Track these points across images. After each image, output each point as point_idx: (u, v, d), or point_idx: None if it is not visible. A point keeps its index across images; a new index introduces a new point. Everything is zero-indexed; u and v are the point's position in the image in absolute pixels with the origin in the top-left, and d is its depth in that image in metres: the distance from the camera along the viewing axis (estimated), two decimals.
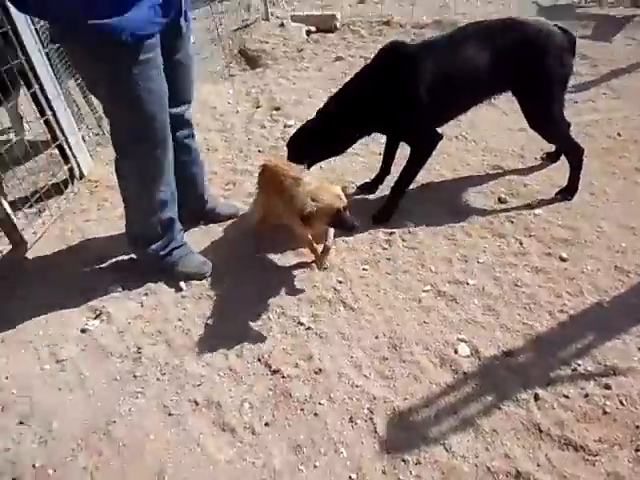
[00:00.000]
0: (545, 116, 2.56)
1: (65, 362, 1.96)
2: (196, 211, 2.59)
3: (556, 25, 2.45)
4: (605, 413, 1.67)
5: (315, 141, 2.45)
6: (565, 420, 1.65)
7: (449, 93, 2.37)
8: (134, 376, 1.89)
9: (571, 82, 3.95)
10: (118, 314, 2.15)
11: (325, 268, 2.28)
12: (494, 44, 2.34)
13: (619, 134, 3.24)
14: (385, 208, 2.62)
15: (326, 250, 2.23)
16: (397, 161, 2.81)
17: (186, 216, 2.45)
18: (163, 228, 2.20)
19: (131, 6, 1.63)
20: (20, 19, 2.41)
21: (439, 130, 2.55)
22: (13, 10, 2.33)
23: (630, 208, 2.60)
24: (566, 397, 1.72)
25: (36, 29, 2.57)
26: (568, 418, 1.66)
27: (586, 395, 1.73)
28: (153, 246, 2.21)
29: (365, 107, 2.39)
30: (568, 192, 2.69)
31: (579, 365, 1.83)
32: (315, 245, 2.26)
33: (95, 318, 2.16)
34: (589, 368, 1.82)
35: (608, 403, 1.69)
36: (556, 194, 2.71)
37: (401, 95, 2.33)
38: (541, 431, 1.63)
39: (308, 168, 2.33)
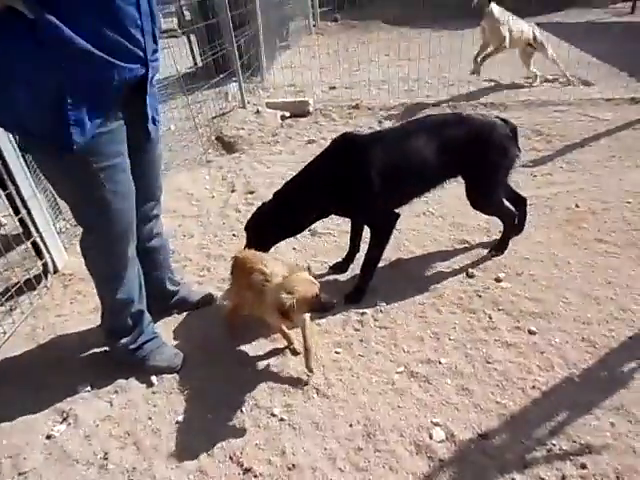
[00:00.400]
0: (487, 199, 2.78)
1: (27, 474, 1.86)
2: (166, 299, 2.60)
3: (498, 117, 2.68)
4: None
5: (272, 224, 2.53)
6: None
7: (400, 180, 2.51)
8: None
9: (530, 157, 4.27)
10: (86, 416, 2.08)
11: (311, 370, 2.19)
12: (442, 136, 2.54)
13: (577, 205, 3.42)
14: (356, 289, 2.67)
15: (309, 350, 2.18)
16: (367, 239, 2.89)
17: (157, 306, 2.47)
18: (132, 321, 2.20)
19: (81, 120, 1.65)
20: None
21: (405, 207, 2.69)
22: None
23: (593, 278, 2.69)
24: None
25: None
26: None
27: (563, 477, 1.70)
28: (123, 340, 2.20)
29: (318, 192, 2.50)
30: (500, 249, 2.94)
31: (554, 445, 1.81)
32: (288, 331, 2.28)
33: (62, 422, 2.08)
34: (564, 447, 1.80)
35: None
36: (489, 252, 2.94)
37: (351, 181, 2.45)
38: None
39: (266, 250, 2.38)
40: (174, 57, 5.43)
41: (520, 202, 3.03)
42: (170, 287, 2.59)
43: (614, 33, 8.68)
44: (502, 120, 2.67)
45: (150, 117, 1.98)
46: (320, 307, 2.03)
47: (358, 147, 2.51)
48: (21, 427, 2.06)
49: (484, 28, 6.04)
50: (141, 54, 1.74)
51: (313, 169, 2.57)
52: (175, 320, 2.62)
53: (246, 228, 2.68)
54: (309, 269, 2.15)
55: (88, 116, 1.66)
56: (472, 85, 6.20)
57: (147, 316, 2.28)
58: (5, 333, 2.53)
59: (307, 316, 2.21)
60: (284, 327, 2.27)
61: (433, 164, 2.53)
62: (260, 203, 2.63)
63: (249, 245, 2.55)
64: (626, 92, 5.42)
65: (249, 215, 3.59)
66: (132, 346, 2.22)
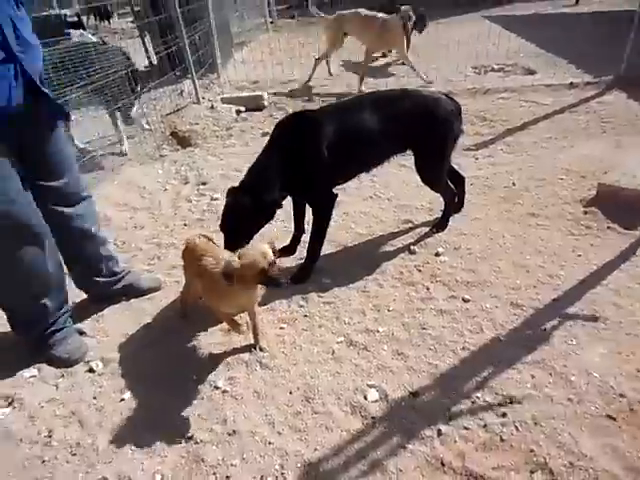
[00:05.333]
0: (434, 172, 2.89)
1: None
2: (108, 287, 2.59)
3: (444, 94, 2.81)
4: (502, 440, 1.77)
5: (247, 216, 2.47)
6: (466, 451, 1.74)
7: (348, 154, 2.59)
8: (42, 461, 1.84)
9: (473, 141, 4.45)
10: (31, 399, 2.11)
11: (262, 349, 2.27)
12: (390, 111, 2.63)
13: (514, 184, 3.60)
14: (302, 269, 2.76)
15: (256, 328, 2.26)
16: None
17: (100, 289, 2.50)
18: (35, 316, 2.22)
19: None
20: None
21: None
22: None
23: (524, 249, 2.86)
24: (467, 429, 1.82)
25: None
26: (468, 449, 1.75)
27: (485, 425, 1.83)
28: (33, 332, 2.24)
29: (279, 171, 2.50)
30: (441, 226, 3.10)
31: (478, 398, 1.94)
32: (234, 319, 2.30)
33: (7, 406, 2.11)
34: (487, 399, 1.93)
35: (505, 430, 1.80)
36: (430, 230, 3.08)
37: (301, 156, 2.51)
38: (444, 464, 1.71)
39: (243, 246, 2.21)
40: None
41: (459, 181, 3.18)
42: (105, 272, 2.56)
43: (557, 24, 9.05)
44: (448, 97, 2.81)
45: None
46: (266, 280, 2.01)
47: (306, 123, 2.57)
48: None
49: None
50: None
51: (269, 151, 2.59)
52: (123, 307, 2.65)
53: (221, 228, 2.56)
54: (272, 244, 2.08)
55: None
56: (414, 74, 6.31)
57: (55, 310, 2.27)
58: None
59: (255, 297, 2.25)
60: (230, 314, 2.28)
61: (380, 137, 2.62)
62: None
63: (226, 245, 2.46)
64: (565, 78, 5.69)
65: (201, 205, 3.71)
66: (39, 337, 2.25)
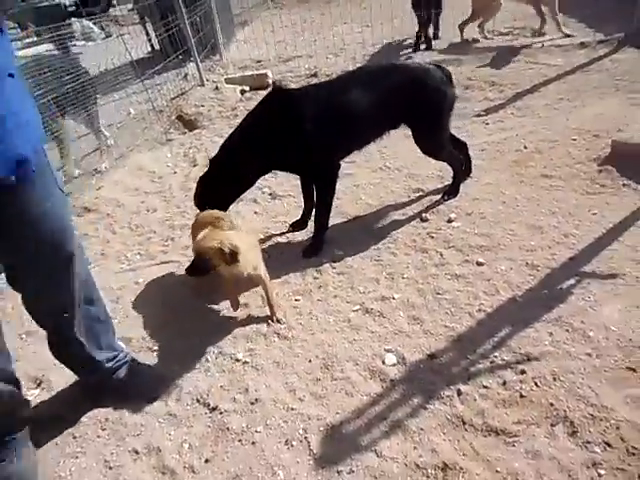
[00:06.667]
0: (434, 142, 2.87)
1: None
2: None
3: (431, 64, 2.77)
4: (522, 396, 1.78)
5: (214, 191, 2.55)
6: (486, 409, 1.76)
7: (338, 131, 2.56)
8: (74, 437, 1.91)
9: (483, 107, 4.38)
10: (59, 380, 2.17)
11: (278, 320, 2.30)
12: (379, 85, 2.60)
13: (525, 147, 3.54)
14: (313, 242, 2.77)
15: (271, 301, 2.30)
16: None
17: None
18: None
19: None
20: None
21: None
22: None
23: (538, 210, 2.82)
24: (486, 387, 1.83)
25: None
26: (488, 406, 1.76)
27: (504, 383, 1.84)
28: None
29: (252, 150, 2.52)
30: (452, 192, 3.05)
31: (496, 357, 1.95)
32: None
33: (36, 387, 2.18)
34: (506, 358, 1.94)
35: (524, 387, 1.81)
36: (442, 197, 3.05)
37: (286, 135, 2.49)
38: (464, 422, 1.73)
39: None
40: (125, 43, 5.42)
41: (462, 147, 3.14)
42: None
43: None
44: (436, 65, 2.77)
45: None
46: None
47: (290, 101, 2.55)
48: None
49: None
50: None
51: (245, 128, 2.59)
52: (139, 286, 2.70)
53: (196, 204, 2.67)
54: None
55: None
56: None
57: None
58: None
59: (263, 270, 2.30)
60: (232, 288, 2.35)
61: (371, 113, 2.58)
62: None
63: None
64: (576, 38, 5.52)
65: None
66: None
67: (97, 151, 4.31)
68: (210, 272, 2.15)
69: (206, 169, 2.69)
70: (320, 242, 2.76)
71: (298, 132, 2.48)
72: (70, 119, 4.11)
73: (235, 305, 2.37)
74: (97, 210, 3.57)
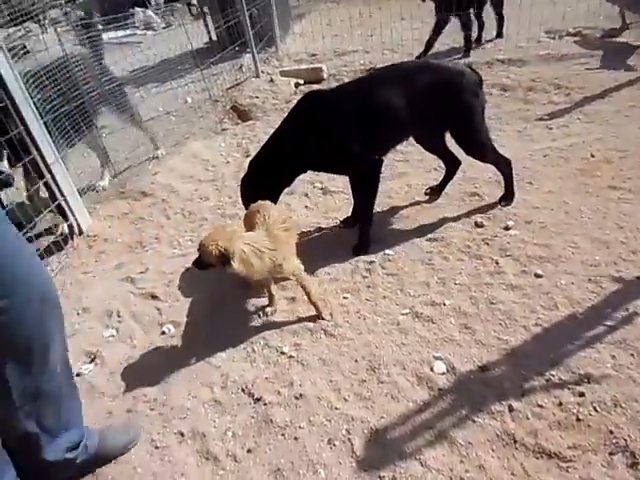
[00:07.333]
0: (476, 142, 2.78)
1: None
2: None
3: (465, 65, 2.79)
4: (579, 420, 1.69)
5: (255, 190, 2.54)
6: (539, 429, 1.68)
7: (370, 130, 2.53)
8: (128, 410, 1.97)
9: (546, 110, 4.19)
10: (111, 356, 2.25)
11: (324, 318, 2.28)
12: (413, 84, 2.56)
13: (592, 155, 3.35)
14: (360, 240, 2.74)
15: (314, 298, 2.27)
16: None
17: None
18: None
19: None
20: (17, 93, 2.68)
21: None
22: (11, 86, 2.61)
23: (603, 223, 2.67)
24: (540, 406, 1.75)
25: (34, 102, 2.84)
26: (542, 427, 1.68)
27: (560, 404, 1.75)
28: None
29: (288, 153, 2.54)
30: (507, 199, 2.95)
31: (553, 375, 1.86)
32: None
33: (90, 362, 2.26)
34: (563, 377, 1.85)
35: (582, 410, 1.72)
36: (499, 202, 2.95)
37: (320, 138, 2.49)
38: (515, 441, 1.66)
39: None
40: (188, 33, 5.53)
41: (454, 164, 3.11)
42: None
43: None
44: (470, 68, 2.74)
45: None
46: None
47: (322, 103, 2.56)
48: None
49: None
50: None
51: (281, 131, 2.62)
52: (193, 272, 2.75)
53: (243, 204, 2.70)
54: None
55: None
56: (488, 43, 6.05)
57: None
58: None
59: (301, 269, 2.23)
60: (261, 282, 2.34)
61: (404, 111, 2.54)
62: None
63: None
64: None
65: None
66: None
67: (150, 140, 4.41)
68: (208, 269, 2.08)
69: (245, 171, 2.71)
70: (367, 239, 2.73)
71: (331, 132, 2.48)
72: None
73: (271, 301, 2.37)
74: (153, 195, 3.67)
